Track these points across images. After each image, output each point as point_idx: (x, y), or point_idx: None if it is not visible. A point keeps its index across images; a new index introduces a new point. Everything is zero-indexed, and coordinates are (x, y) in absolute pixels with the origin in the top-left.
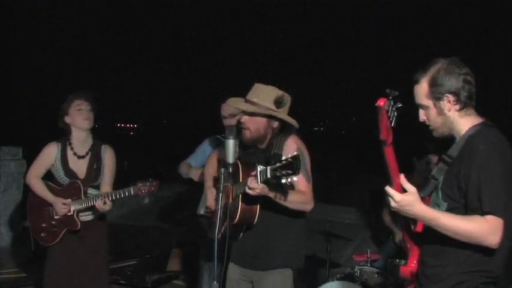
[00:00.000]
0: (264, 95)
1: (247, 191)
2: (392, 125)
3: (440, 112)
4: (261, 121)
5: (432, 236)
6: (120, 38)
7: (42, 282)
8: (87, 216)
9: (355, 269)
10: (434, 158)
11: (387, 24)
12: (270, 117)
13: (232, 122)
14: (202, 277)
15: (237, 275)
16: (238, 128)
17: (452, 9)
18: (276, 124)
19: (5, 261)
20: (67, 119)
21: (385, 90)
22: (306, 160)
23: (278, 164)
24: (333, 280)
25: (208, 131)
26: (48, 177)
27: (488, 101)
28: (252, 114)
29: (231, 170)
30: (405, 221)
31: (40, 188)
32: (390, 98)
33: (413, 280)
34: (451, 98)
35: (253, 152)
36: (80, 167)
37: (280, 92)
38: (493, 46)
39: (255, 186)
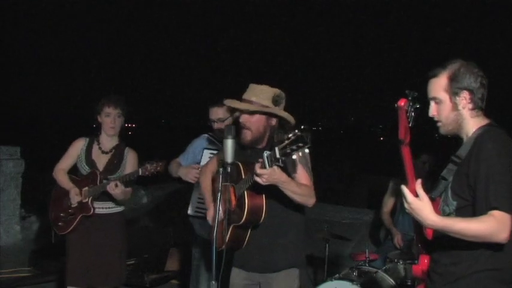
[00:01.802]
0: (262, 93)
1: (256, 179)
2: (410, 124)
3: (455, 108)
4: (261, 120)
5: (444, 235)
6: (120, 39)
7: (65, 271)
8: (102, 210)
9: (354, 269)
10: (429, 158)
11: (387, 26)
12: (269, 115)
13: (221, 126)
14: (196, 277)
15: (242, 280)
16: (237, 128)
17: (450, 10)
18: (274, 122)
19: (5, 261)
20: (99, 119)
21: (394, 91)
22: (307, 156)
23: (287, 141)
24: (331, 280)
25: (206, 129)
26: (73, 172)
27: (489, 101)
28: (251, 113)
29: (229, 170)
30: (417, 223)
31: (62, 178)
32: (409, 98)
33: (424, 279)
34: (467, 95)
35: (251, 154)
36: (101, 160)
37: (276, 90)
38: (492, 46)
39: (263, 171)
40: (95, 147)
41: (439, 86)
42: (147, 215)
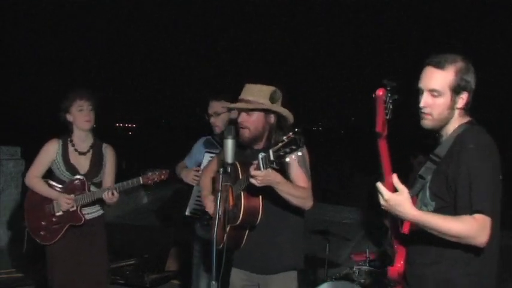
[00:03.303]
0: (258, 92)
1: (251, 180)
2: (388, 117)
3: (451, 106)
4: (259, 118)
5: (420, 235)
6: (120, 39)
7: (48, 280)
8: (88, 215)
9: (354, 269)
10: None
11: (387, 26)
12: (267, 112)
13: (218, 120)
14: (197, 277)
15: (241, 280)
16: (236, 128)
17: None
18: (272, 119)
19: (4, 261)
20: (68, 117)
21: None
22: (306, 158)
23: (280, 144)
24: (331, 280)
25: (206, 129)
26: (47, 177)
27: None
28: (249, 111)
29: (229, 170)
30: (393, 220)
31: (42, 186)
32: (388, 88)
33: (400, 281)
34: (467, 96)
35: (250, 154)
36: (81, 163)
37: (272, 88)
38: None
39: (258, 173)
40: (71, 149)
41: (443, 79)
42: (147, 215)
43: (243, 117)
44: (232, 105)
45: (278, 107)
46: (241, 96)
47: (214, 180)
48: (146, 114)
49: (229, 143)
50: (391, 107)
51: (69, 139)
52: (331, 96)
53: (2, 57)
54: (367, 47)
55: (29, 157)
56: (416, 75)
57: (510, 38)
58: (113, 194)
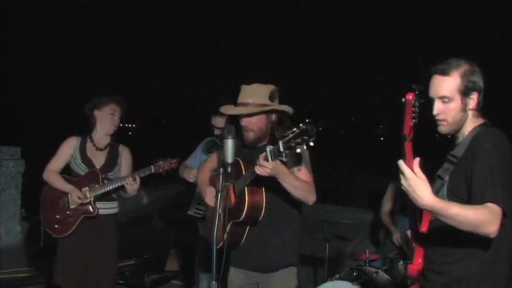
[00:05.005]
0: (256, 93)
1: (257, 171)
2: (415, 120)
3: (464, 108)
4: (262, 119)
5: (437, 234)
6: (120, 39)
7: (54, 274)
8: (101, 209)
9: (354, 269)
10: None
11: (387, 26)
12: (269, 112)
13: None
14: (198, 277)
15: (240, 279)
16: (238, 130)
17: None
18: (274, 117)
19: (5, 261)
20: (96, 114)
21: (387, 90)
22: (306, 154)
23: (291, 135)
24: (331, 280)
25: (207, 130)
26: (65, 173)
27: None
28: (251, 115)
29: (229, 170)
30: (412, 219)
31: (58, 180)
32: (417, 92)
33: (419, 278)
34: (477, 96)
35: (256, 152)
36: (97, 157)
37: (269, 86)
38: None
39: (266, 164)
40: (89, 144)
41: (450, 85)
42: (147, 215)
43: (246, 121)
44: (233, 112)
45: (278, 105)
46: (239, 100)
47: (211, 178)
48: (146, 114)
49: (229, 143)
50: (418, 110)
51: (88, 136)
52: (331, 96)
53: (2, 57)
54: (367, 47)
55: (29, 157)
56: (416, 76)
57: (510, 38)
58: (134, 179)
